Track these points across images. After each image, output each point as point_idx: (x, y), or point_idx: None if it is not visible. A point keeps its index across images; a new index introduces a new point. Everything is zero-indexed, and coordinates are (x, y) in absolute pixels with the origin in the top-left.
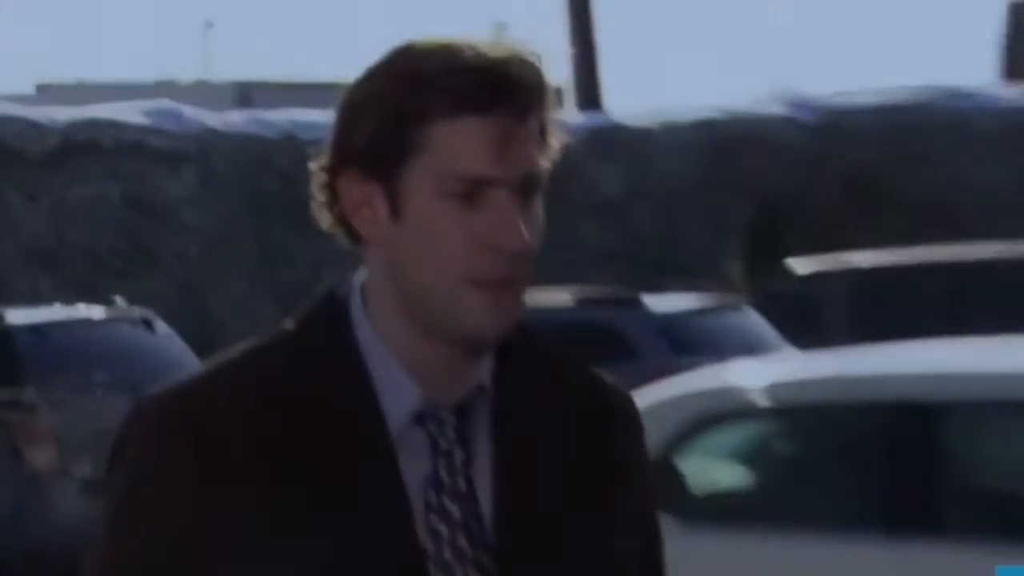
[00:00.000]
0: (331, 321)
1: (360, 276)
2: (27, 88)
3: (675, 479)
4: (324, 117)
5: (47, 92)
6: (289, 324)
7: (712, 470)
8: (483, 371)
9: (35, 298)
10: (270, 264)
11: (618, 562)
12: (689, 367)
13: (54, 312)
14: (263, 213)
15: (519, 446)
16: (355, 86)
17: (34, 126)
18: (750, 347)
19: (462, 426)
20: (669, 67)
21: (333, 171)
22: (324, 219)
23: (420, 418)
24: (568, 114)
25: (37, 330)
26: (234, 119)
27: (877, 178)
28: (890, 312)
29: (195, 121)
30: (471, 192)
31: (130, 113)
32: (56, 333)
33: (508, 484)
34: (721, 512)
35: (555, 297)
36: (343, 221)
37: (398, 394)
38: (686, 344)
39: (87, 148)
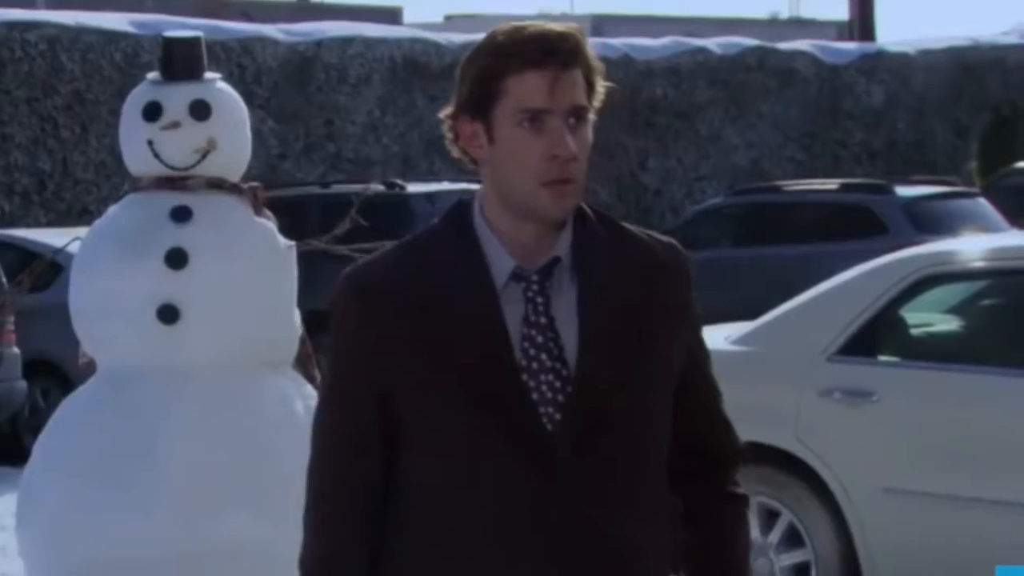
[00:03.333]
0: (458, 216)
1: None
2: (437, 18)
3: (900, 325)
4: (654, 43)
5: (453, 21)
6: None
7: (931, 320)
8: (562, 245)
9: (432, 175)
10: (605, 156)
11: (664, 371)
12: (929, 241)
13: (442, 186)
14: (601, 116)
15: (593, 289)
16: (464, 61)
17: (436, 46)
18: (981, 228)
19: (544, 282)
20: (931, 4)
21: (454, 117)
22: (453, 150)
23: (515, 276)
24: (844, 43)
25: (429, 197)
26: None
27: None
28: None
29: None
30: (535, 120)
31: None
32: (442, 200)
33: (586, 315)
34: (936, 353)
35: (824, 183)
36: (464, 151)
37: (500, 261)
38: (927, 223)
39: None
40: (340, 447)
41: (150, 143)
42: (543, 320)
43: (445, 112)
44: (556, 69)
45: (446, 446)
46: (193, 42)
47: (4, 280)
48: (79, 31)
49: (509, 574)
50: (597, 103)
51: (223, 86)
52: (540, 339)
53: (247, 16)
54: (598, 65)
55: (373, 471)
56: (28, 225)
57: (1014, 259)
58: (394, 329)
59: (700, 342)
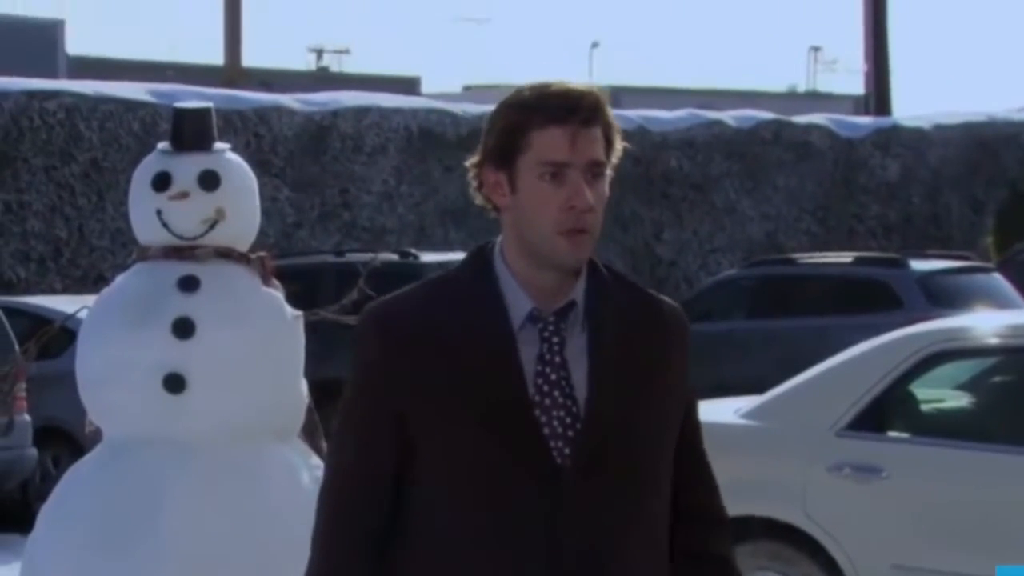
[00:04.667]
0: (479, 259)
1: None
2: (456, 88)
3: (910, 400)
4: (670, 115)
5: (471, 92)
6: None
7: (941, 396)
8: (577, 291)
9: (446, 245)
10: (620, 227)
11: (666, 416)
12: (943, 316)
13: (456, 255)
14: (617, 187)
15: (603, 332)
16: (492, 114)
17: (453, 116)
18: (996, 304)
19: (559, 324)
20: (948, 78)
21: (479, 166)
22: (477, 198)
23: (532, 319)
24: (859, 117)
25: (442, 267)
26: None
27: None
28: None
29: None
30: (556, 174)
31: None
32: None
33: (597, 356)
34: (946, 429)
35: (839, 256)
36: (487, 198)
37: (519, 304)
38: (942, 298)
39: None
40: (353, 469)
41: (159, 213)
42: (557, 359)
43: (471, 161)
44: (576, 125)
45: (457, 472)
46: (203, 112)
47: (16, 347)
48: (98, 100)
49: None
50: (615, 160)
51: (232, 156)
52: (554, 377)
53: (266, 86)
54: (616, 124)
55: (383, 492)
56: (43, 292)
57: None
58: (412, 359)
59: (695, 409)
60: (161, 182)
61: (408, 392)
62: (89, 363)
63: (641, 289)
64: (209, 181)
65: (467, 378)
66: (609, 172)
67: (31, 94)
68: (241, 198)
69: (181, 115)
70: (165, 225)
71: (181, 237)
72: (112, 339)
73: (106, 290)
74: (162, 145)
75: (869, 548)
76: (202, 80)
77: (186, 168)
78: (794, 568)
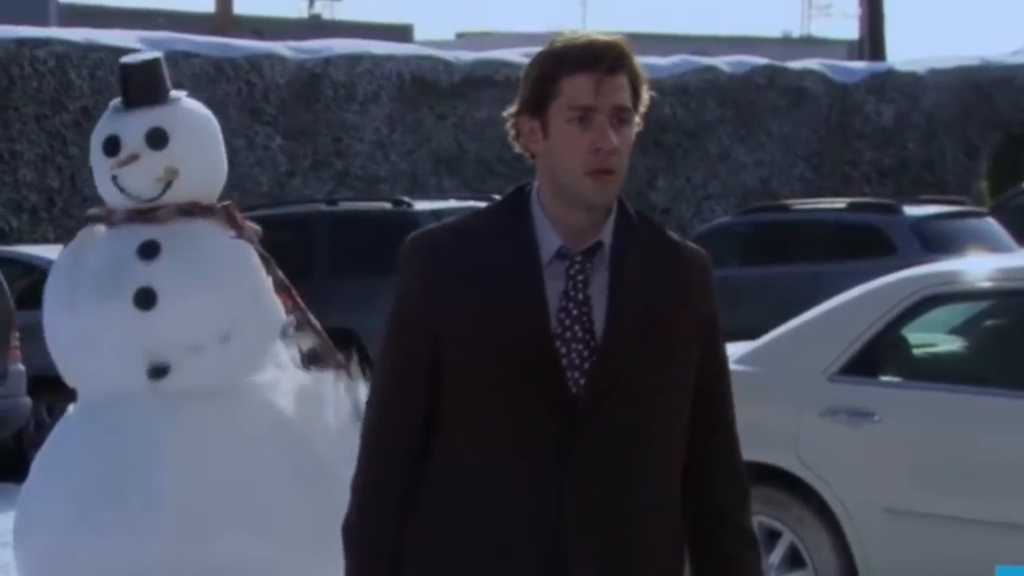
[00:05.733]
0: (516, 198)
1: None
2: (449, 35)
3: (902, 344)
4: (663, 61)
5: (464, 39)
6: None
7: (933, 340)
8: (605, 232)
9: (440, 193)
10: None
11: (682, 355)
12: (937, 261)
13: (450, 204)
14: None
15: (626, 272)
16: (527, 65)
17: (446, 64)
18: (989, 248)
19: (585, 263)
20: (942, 22)
21: (517, 115)
22: (516, 146)
23: (560, 255)
24: (853, 63)
25: (436, 215)
26: None
27: None
28: None
29: None
30: (583, 118)
31: (516, 55)
32: (449, 218)
33: (617, 294)
34: (939, 373)
35: (833, 202)
36: (524, 146)
37: (549, 242)
38: (936, 243)
39: (483, 82)
40: (391, 389)
41: (114, 179)
42: (580, 296)
43: (509, 111)
44: (602, 73)
45: (481, 394)
46: (151, 64)
47: (10, 297)
48: (88, 48)
49: (528, 508)
50: (643, 108)
51: (187, 106)
52: (575, 312)
53: (258, 33)
54: (643, 74)
55: (420, 400)
56: (36, 242)
57: (1017, 280)
58: (446, 283)
59: (721, 353)
60: (111, 146)
61: (440, 316)
62: (58, 332)
63: (666, 233)
64: (157, 139)
65: (494, 307)
66: (637, 120)
67: (21, 42)
68: (196, 150)
69: (127, 70)
70: (122, 190)
71: (140, 199)
72: (79, 311)
73: (67, 253)
74: (114, 102)
75: (861, 492)
76: (193, 28)
77: (134, 128)
78: (786, 513)
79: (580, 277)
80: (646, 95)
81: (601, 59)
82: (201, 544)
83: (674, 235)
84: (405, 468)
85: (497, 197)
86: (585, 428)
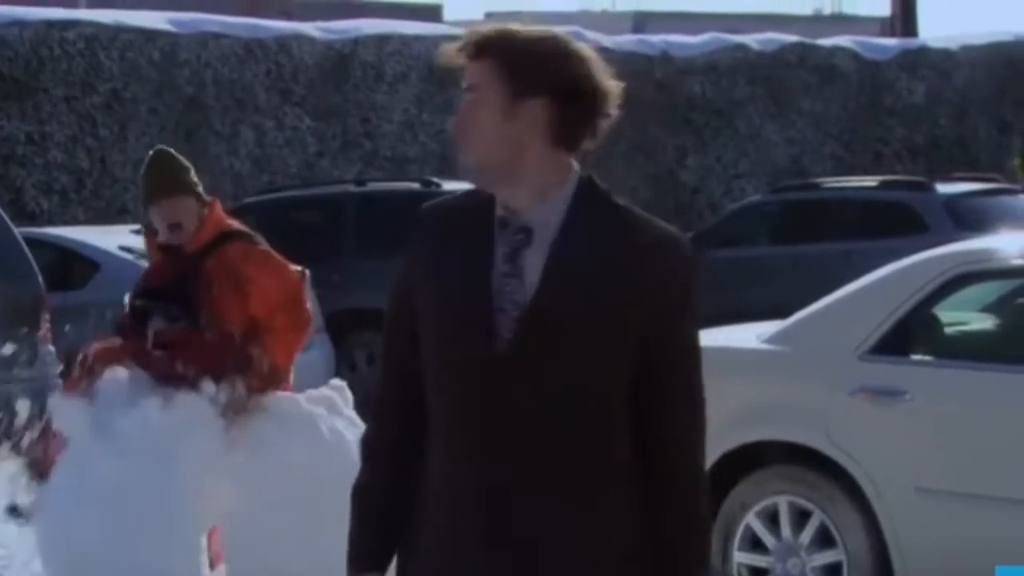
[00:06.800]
0: None
1: None
2: (478, 15)
3: (934, 323)
4: (693, 40)
5: (493, 19)
6: None
7: (965, 318)
8: (547, 209)
9: None
10: (644, 153)
11: (616, 328)
12: (969, 239)
13: None
14: (640, 113)
15: (563, 247)
16: None
17: None
18: (1022, 226)
19: (516, 235)
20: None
21: None
22: None
23: (502, 224)
24: (885, 39)
25: None
26: (624, 40)
27: None
28: None
29: (594, 41)
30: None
31: None
32: None
33: (549, 267)
34: (971, 352)
35: (864, 180)
36: None
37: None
38: (968, 221)
39: None
40: (387, 342)
41: None
42: (512, 264)
43: None
44: (467, 60)
45: (429, 354)
46: None
47: (40, 279)
48: (117, 29)
49: (459, 464)
50: (542, 75)
51: None
52: (511, 277)
53: (286, 14)
54: (525, 49)
55: (407, 361)
56: (66, 223)
57: None
58: (423, 248)
59: (676, 334)
60: None
61: (413, 283)
62: None
63: (629, 217)
64: None
65: (445, 273)
66: (490, 92)
67: (50, 24)
68: None
69: None
70: None
71: None
72: None
73: None
74: None
75: (892, 471)
76: (222, 9)
77: None
78: (816, 492)
79: (505, 250)
80: (546, 65)
81: (463, 49)
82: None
83: (646, 219)
84: (403, 424)
85: None
86: (510, 392)
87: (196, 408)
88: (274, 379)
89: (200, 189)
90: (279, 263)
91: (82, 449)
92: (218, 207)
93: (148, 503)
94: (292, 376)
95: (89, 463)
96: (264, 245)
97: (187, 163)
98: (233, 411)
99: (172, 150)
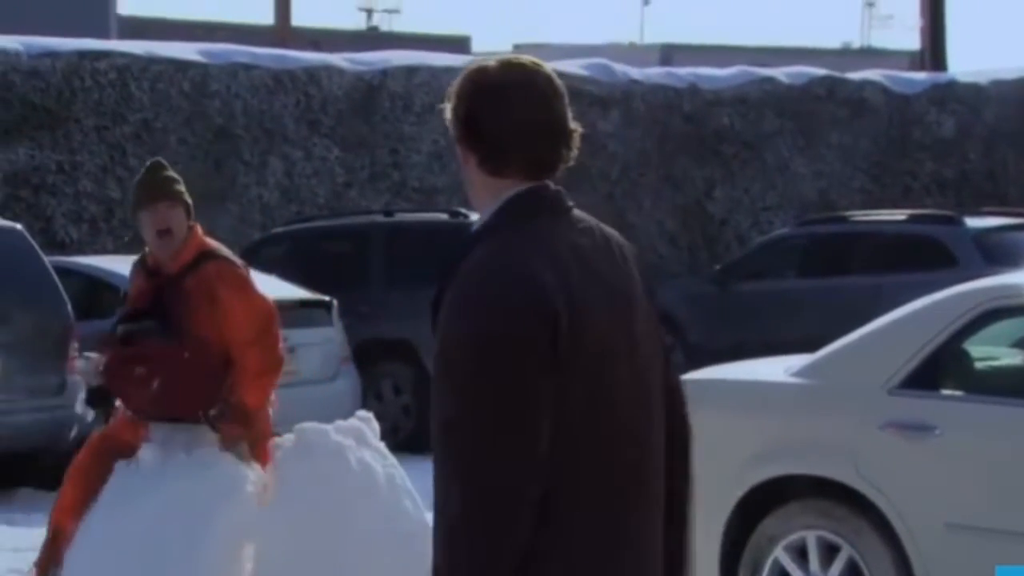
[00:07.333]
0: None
1: None
2: (506, 47)
3: (964, 358)
4: (722, 72)
5: (521, 50)
6: None
7: (995, 353)
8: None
9: None
10: (672, 185)
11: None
12: (998, 274)
13: None
14: (669, 145)
15: None
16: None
17: None
18: None
19: None
20: (1004, 33)
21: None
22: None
23: None
24: (914, 73)
25: None
26: (652, 72)
27: None
28: None
29: (622, 73)
30: None
31: (573, 67)
32: None
33: None
34: (1000, 387)
35: (892, 214)
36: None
37: None
38: (997, 255)
39: None
40: None
41: None
42: None
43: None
44: None
45: None
46: None
47: (69, 307)
48: (149, 60)
49: None
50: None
51: None
52: None
53: (316, 45)
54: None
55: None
56: (95, 252)
57: None
58: None
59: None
60: None
61: None
62: None
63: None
64: None
65: None
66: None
67: (82, 54)
68: None
69: None
70: None
71: None
72: None
73: None
74: None
75: (922, 507)
76: (252, 40)
77: None
78: (844, 526)
79: None
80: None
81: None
82: None
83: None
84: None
85: None
86: None
87: (229, 471)
88: (243, 418)
89: (190, 202)
90: (252, 291)
91: (112, 508)
92: (199, 230)
93: (178, 567)
94: (271, 419)
95: (117, 522)
96: (242, 270)
97: (179, 176)
98: (229, 445)
99: (165, 162)
